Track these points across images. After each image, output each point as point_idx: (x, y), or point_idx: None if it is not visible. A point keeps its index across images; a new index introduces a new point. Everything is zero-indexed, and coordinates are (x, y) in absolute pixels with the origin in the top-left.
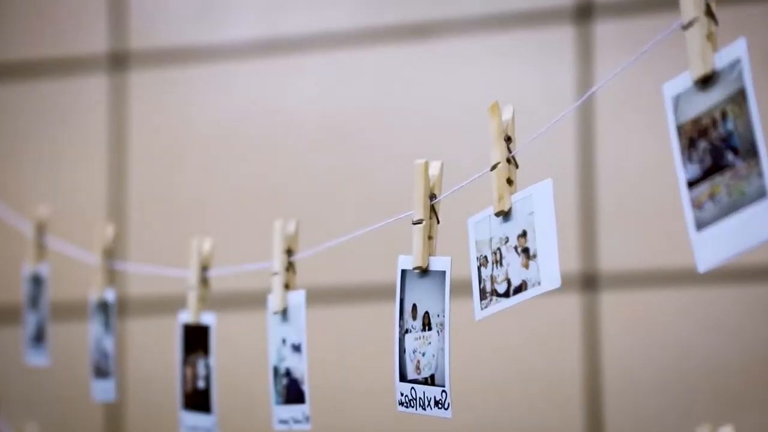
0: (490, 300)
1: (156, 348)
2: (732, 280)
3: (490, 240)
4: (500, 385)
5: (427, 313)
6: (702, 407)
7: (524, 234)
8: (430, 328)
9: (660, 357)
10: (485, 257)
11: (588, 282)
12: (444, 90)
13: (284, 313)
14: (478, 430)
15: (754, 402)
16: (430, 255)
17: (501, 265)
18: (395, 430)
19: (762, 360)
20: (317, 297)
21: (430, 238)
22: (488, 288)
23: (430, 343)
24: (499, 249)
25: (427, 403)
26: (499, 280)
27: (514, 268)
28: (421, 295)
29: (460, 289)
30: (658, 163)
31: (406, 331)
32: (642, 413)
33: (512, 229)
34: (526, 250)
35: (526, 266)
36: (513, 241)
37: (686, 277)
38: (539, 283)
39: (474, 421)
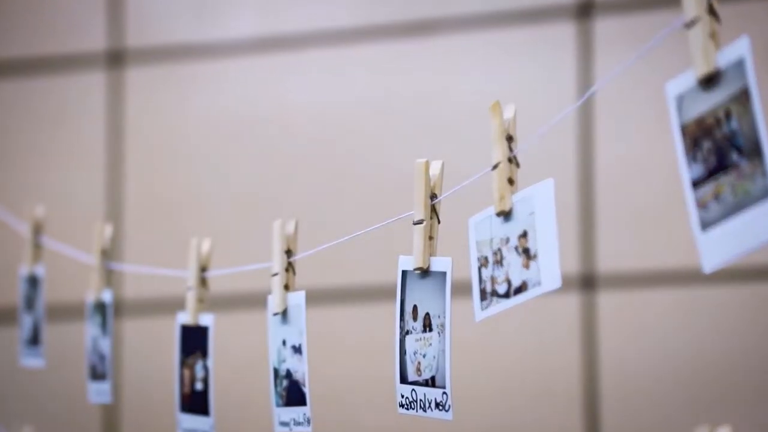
0: (491, 300)
1: (153, 349)
2: (731, 280)
3: (491, 240)
4: (499, 385)
5: (427, 314)
6: (700, 407)
7: (525, 234)
8: (430, 330)
9: (658, 357)
10: (486, 258)
11: (586, 282)
12: (444, 88)
13: (284, 314)
14: (477, 429)
15: (753, 402)
16: (430, 255)
17: (501, 265)
18: None
19: (761, 360)
20: (317, 298)
21: (430, 238)
22: (488, 288)
23: (430, 344)
24: (499, 249)
25: (427, 404)
26: (499, 280)
27: (514, 269)
28: (421, 296)
29: (460, 289)
30: (658, 163)
31: (407, 333)
32: (640, 413)
33: (513, 229)
34: (526, 251)
35: (527, 266)
36: (514, 242)
37: (684, 277)
38: (540, 284)
39: (472, 420)
